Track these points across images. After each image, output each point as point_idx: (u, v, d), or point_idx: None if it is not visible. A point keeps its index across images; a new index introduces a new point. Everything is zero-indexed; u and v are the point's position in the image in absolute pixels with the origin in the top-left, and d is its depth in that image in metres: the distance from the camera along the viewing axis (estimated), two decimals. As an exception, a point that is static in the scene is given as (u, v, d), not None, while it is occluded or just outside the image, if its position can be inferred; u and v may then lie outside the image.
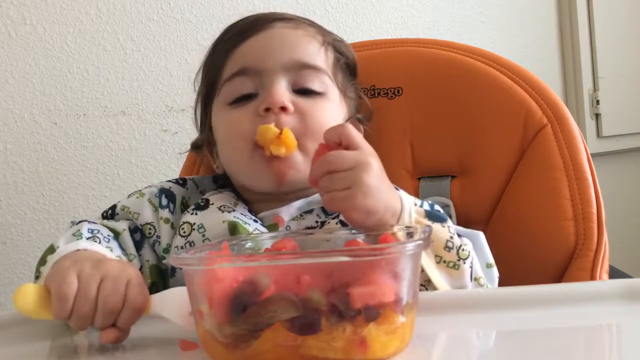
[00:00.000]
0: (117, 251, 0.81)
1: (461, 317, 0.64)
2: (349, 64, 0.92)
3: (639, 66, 1.93)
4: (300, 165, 0.81)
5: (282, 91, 0.81)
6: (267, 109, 0.81)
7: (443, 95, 0.99)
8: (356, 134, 0.70)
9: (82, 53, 1.35)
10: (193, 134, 0.99)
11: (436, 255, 0.75)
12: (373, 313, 0.50)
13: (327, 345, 0.50)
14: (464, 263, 0.75)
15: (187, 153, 1.06)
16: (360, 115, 0.94)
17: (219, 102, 0.87)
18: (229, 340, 0.51)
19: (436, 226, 0.75)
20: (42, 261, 0.76)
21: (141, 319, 0.66)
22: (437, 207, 0.84)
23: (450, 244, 0.75)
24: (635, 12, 1.94)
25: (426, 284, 0.74)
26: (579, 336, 0.60)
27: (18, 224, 1.30)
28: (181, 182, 0.91)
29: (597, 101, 1.89)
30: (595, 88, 1.90)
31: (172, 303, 0.64)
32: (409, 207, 0.74)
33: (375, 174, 0.68)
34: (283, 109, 0.80)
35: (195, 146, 0.95)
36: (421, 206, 0.78)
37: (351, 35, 1.59)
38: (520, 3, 1.83)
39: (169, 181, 0.91)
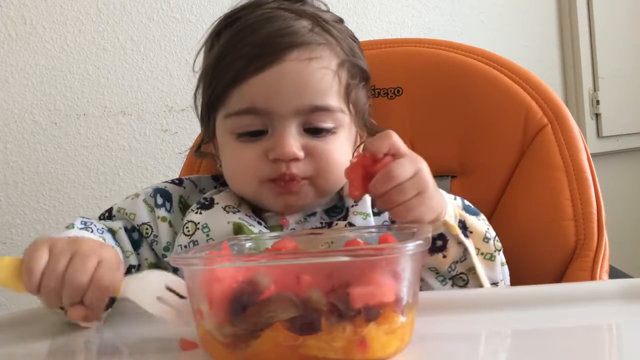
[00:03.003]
0: (111, 242, 0.81)
1: (461, 317, 0.64)
2: (362, 75, 0.88)
3: (639, 66, 1.93)
4: (309, 196, 0.82)
5: (292, 141, 0.79)
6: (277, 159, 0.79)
7: (443, 95, 0.99)
8: (400, 142, 0.68)
9: (82, 53, 1.35)
10: (193, 134, 0.99)
11: (475, 247, 0.77)
12: (373, 313, 0.50)
13: (327, 345, 0.50)
14: (498, 254, 0.78)
15: (187, 153, 1.06)
16: (372, 122, 0.92)
17: (226, 130, 0.83)
18: (228, 340, 0.51)
19: (472, 219, 0.78)
20: None
21: (138, 318, 0.66)
22: (467, 201, 0.83)
23: (488, 235, 0.78)
24: (635, 12, 1.94)
25: (468, 272, 0.76)
26: (579, 336, 0.59)
27: (18, 224, 1.30)
28: (177, 182, 0.91)
29: (597, 101, 1.89)
30: (595, 88, 1.90)
31: (141, 288, 0.64)
32: (450, 200, 0.76)
33: (430, 175, 0.69)
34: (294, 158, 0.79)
35: (200, 153, 0.94)
36: (455, 199, 0.79)
37: (351, 35, 1.59)
38: (520, 3, 1.83)
39: (164, 182, 0.91)
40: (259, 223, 0.83)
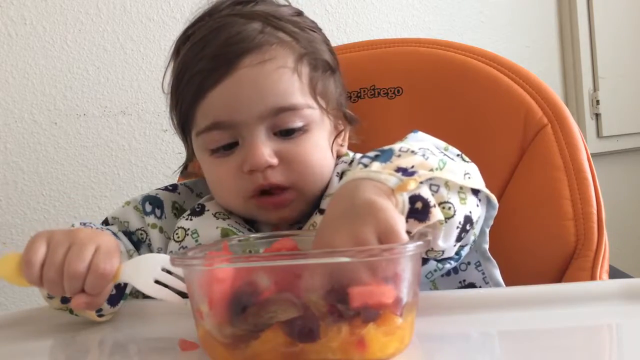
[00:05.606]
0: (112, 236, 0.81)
1: (461, 317, 0.64)
2: (326, 65, 0.85)
3: (639, 66, 1.94)
4: (301, 205, 0.81)
5: (262, 149, 0.77)
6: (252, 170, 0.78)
7: (443, 95, 0.99)
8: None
9: (82, 53, 1.35)
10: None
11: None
12: (372, 314, 0.50)
13: (326, 346, 0.49)
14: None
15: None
16: (348, 112, 0.89)
17: (201, 148, 0.83)
18: (228, 341, 0.51)
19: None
20: None
21: (138, 318, 0.66)
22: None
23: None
24: (635, 12, 1.94)
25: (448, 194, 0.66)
26: (579, 336, 0.59)
27: (18, 224, 1.30)
28: (171, 188, 0.91)
29: (597, 101, 1.89)
30: (595, 88, 1.90)
31: (139, 271, 0.64)
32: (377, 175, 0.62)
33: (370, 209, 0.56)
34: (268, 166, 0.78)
35: (186, 173, 0.94)
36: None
37: (351, 35, 1.59)
38: (520, 3, 1.83)
39: (157, 189, 0.91)
40: (249, 230, 0.82)
